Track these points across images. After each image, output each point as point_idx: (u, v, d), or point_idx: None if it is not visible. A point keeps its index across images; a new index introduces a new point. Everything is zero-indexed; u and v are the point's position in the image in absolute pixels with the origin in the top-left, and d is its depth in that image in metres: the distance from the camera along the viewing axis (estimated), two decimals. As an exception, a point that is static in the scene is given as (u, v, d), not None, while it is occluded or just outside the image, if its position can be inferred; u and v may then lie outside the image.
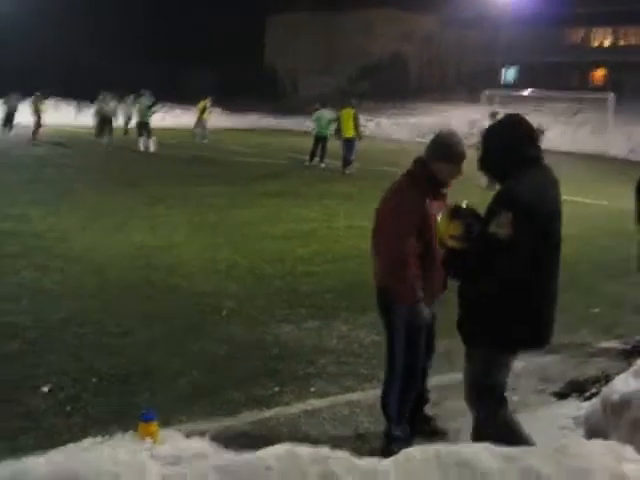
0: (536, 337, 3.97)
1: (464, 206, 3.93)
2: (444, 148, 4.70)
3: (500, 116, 18.83)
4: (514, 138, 3.91)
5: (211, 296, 8.17)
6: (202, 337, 6.90)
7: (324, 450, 2.92)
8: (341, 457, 2.88)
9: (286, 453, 2.86)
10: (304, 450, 2.89)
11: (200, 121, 35.01)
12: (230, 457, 2.95)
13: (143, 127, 27.87)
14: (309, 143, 24.52)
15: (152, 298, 8.05)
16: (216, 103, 41.06)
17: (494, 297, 3.83)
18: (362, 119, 37.31)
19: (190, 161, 24.38)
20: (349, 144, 22.27)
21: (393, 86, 64.15)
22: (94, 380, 5.82)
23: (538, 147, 4.01)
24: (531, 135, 3.98)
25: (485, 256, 3.72)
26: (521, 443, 3.70)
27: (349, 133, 22.38)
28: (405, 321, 4.68)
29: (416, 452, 2.92)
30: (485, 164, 4.05)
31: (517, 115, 4.10)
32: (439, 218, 4.03)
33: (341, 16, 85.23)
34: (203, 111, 35.43)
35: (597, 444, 3.12)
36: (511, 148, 3.89)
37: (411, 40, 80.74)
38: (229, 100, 59.19)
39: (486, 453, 2.88)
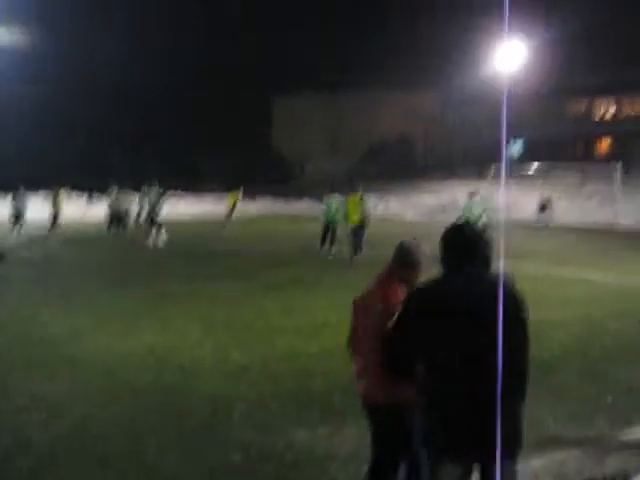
0: (454, 446, 3.90)
1: None
2: (401, 257, 5.22)
3: (478, 196, 18.74)
4: (443, 246, 4.18)
5: (223, 399, 8.10)
6: (215, 443, 6.83)
7: None
8: None
9: None
10: None
11: (230, 213, 35.82)
12: None
13: (153, 221, 27.56)
14: (318, 228, 24.50)
15: (164, 401, 8.00)
16: (246, 193, 42.37)
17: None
18: (371, 200, 37.66)
19: (200, 254, 24.43)
20: (357, 231, 22.29)
21: (400, 166, 64.72)
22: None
23: (469, 256, 4.07)
24: (459, 245, 4.12)
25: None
26: None
27: (355, 220, 22.42)
28: None
29: None
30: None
31: (456, 226, 4.30)
32: None
33: (345, 98, 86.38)
34: (234, 204, 36.27)
35: None
36: (441, 253, 4.17)
37: (415, 120, 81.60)
38: (239, 185, 59.80)
39: None
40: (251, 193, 56.18)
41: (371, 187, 60.11)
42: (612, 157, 57.91)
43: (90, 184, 49.93)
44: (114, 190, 33.07)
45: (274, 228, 36.03)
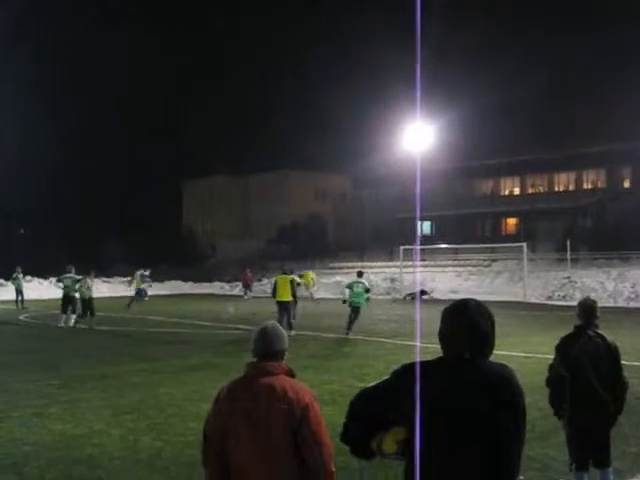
0: None
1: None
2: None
3: (363, 276, 19.08)
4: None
5: (134, 490, 7.90)
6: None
7: None
8: None
9: None
10: None
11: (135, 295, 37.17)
12: None
13: (69, 302, 27.76)
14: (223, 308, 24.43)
15: (72, 497, 7.75)
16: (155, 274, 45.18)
17: None
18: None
19: (109, 335, 24.08)
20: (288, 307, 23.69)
21: (312, 246, 65.07)
22: None
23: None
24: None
25: None
26: None
27: (286, 297, 23.62)
28: None
29: None
30: None
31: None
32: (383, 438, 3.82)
33: (254, 179, 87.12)
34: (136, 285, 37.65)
35: None
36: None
37: (325, 200, 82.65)
38: (148, 267, 59.32)
39: None
40: (162, 275, 55.90)
41: (284, 267, 60.40)
42: (518, 235, 59.46)
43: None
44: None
45: (185, 308, 35.74)
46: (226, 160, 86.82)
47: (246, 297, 44.50)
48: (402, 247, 47.37)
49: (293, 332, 21.96)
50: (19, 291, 36.16)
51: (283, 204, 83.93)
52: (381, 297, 43.81)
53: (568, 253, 45.50)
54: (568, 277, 42.90)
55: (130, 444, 9.80)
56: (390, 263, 48.52)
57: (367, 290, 23.98)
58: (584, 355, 6.94)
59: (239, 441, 4.48)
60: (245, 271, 48.19)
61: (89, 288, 27.60)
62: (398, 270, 46.93)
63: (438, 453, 3.55)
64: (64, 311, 27.66)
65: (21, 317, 31.17)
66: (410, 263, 45.53)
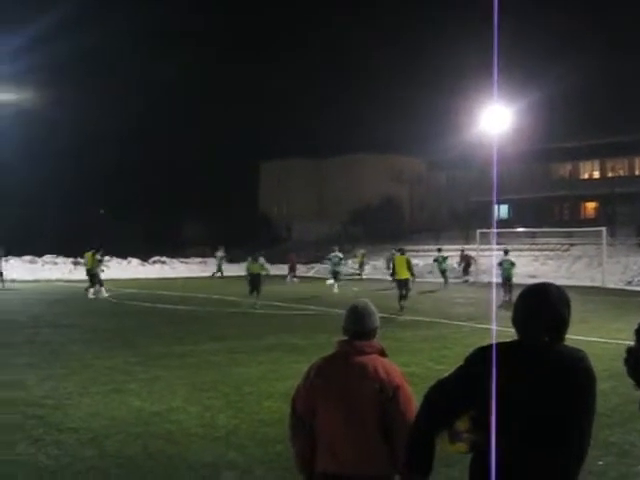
0: None
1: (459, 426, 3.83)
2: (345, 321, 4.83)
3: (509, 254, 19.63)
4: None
5: (211, 466, 7.97)
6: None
7: None
8: None
9: None
10: None
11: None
12: None
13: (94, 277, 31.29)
14: (301, 290, 24.57)
15: (152, 471, 7.84)
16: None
17: None
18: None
19: (186, 315, 24.40)
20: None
21: (386, 228, 64.87)
22: None
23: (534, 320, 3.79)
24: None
25: None
26: None
27: (404, 274, 25.53)
28: None
29: None
30: None
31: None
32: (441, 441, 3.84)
33: (330, 161, 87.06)
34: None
35: None
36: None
37: (400, 182, 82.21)
38: (225, 250, 59.98)
39: None
40: (237, 256, 56.40)
41: (358, 248, 60.47)
42: (598, 219, 58.39)
43: (76, 249, 50.28)
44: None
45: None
46: (303, 142, 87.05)
47: (288, 281, 44.39)
48: (479, 230, 46.94)
49: (405, 304, 25.04)
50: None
51: (358, 187, 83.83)
52: (457, 280, 43.54)
53: (648, 238, 44.63)
54: (649, 262, 42.05)
55: (207, 421, 9.91)
56: (467, 246, 48.04)
57: (513, 264, 30.18)
58: None
59: (329, 417, 4.54)
60: (291, 255, 48.48)
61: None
62: (475, 253, 46.53)
63: (513, 434, 3.56)
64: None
65: (90, 296, 31.70)
66: (487, 246, 45.03)
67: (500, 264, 30.19)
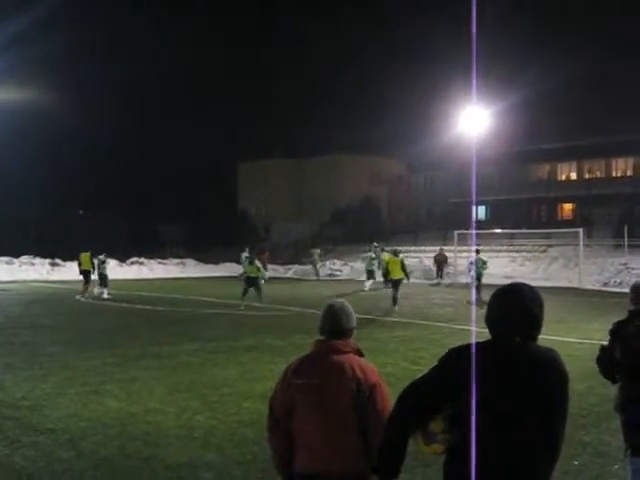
0: None
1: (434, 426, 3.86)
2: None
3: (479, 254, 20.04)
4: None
5: (189, 466, 7.98)
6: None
7: None
8: None
9: None
10: None
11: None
12: None
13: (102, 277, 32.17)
14: (281, 291, 24.60)
15: (128, 473, 7.84)
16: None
17: None
18: (338, 264, 40.79)
19: (163, 316, 24.37)
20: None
21: (366, 229, 64.96)
22: None
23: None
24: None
25: None
26: None
27: (398, 274, 26.27)
28: None
29: None
30: None
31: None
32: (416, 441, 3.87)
33: (310, 162, 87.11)
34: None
35: None
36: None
37: (380, 183, 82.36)
38: (203, 250, 59.98)
39: None
40: (217, 257, 56.39)
41: (337, 249, 60.55)
42: (575, 221, 58.72)
43: (53, 250, 50.37)
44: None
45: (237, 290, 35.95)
46: (282, 143, 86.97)
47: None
48: (456, 232, 47.10)
49: (397, 307, 25.52)
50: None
51: (337, 187, 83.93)
52: (435, 281, 43.74)
53: (625, 239, 44.89)
54: (625, 263, 42.34)
55: (184, 422, 9.91)
56: (445, 247, 48.16)
57: (485, 262, 31.61)
58: (638, 338, 6.83)
59: (306, 417, 4.56)
60: (262, 255, 47.78)
61: None
62: (452, 255, 46.69)
63: (488, 433, 3.57)
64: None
65: (77, 297, 31.66)
66: (465, 248, 45.18)
67: (472, 263, 30.83)
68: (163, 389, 12.07)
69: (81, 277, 33.36)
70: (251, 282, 27.50)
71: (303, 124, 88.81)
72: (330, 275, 50.97)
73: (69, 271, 45.77)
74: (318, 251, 52.81)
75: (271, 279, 43.65)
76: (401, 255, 27.95)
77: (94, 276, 32.85)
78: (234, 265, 53.28)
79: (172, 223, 79.32)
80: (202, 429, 9.57)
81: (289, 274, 54.32)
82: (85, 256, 33.49)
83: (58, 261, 49.87)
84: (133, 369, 13.98)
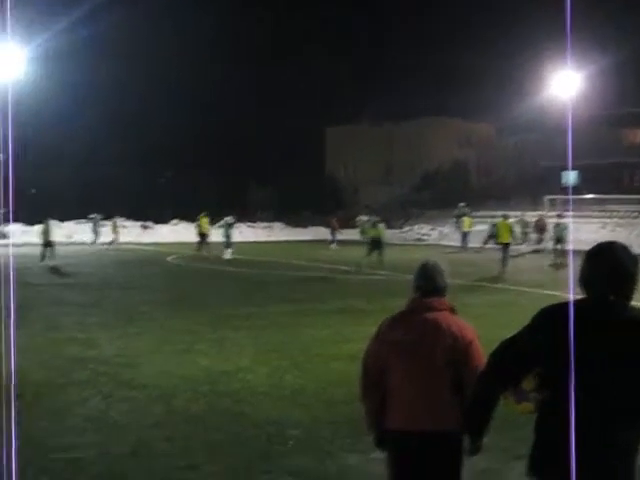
0: None
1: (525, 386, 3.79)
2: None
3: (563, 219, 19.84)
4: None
5: (277, 424, 8.06)
6: (268, 469, 6.78)
7: None
8: None
9: None
10: None
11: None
12: None
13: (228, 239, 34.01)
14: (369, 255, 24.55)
15: (218, 428, 7.96)
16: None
17: None
18: (426, 228, 40.34)
19: (253, 279, 24.60)
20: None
21: (454, 193, 64.29)
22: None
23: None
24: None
25: None
26: None
27: (507, 238, 26.87)
28: None
29: None
30: None
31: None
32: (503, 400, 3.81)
33: (398, 126, 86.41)
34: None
35: None
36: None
37: (469, 147, 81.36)
38: (291, 214, 60.22)
39: None
40: (304, 221, 56.61)
41: (425, 214, 60.17)
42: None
43: (146, 213, 51.31)
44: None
45: (325, 253, 36.06)
46: (370, 107, 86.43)
47: (331, 246, 43.74)
48: (547, 197, 46.29)
49: (505, 269, 25.75)
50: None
51: (426, 152, 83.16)
52: (524, 246, 43.09)
53: None
54: None
55: (274, 381, 10.01)
56: (533, 213, 47.27)
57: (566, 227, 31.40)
58: None
59: (401, 374, 4.55)
60: (332, 219, 47.91)
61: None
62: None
63: (580, 393, 3.49)
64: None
65: (169, 259, 32.26)
66: (554, 213, 44.29)
67: (557, 226, 31.92)
68: (253, 349, 12.19)
69: (198, 238, 35.90)
70: (375, 245, 27.81)
71: (392, 88, 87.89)
72: (418, 240, 50.69)
73: (159, 233, 46.79)
74: (366, 218, 51.38)
75: (357, 243, 43.74)
76: (510, 220, 28.51)
77: (213, 238, 35.36)
78: (321, 229, 53.42)
79: (261, 187, 79.81)
80: (291, 388, 9.65)
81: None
82: (203, 219, 35.89)
83: (149, 223, 50.86)
84: (224, 329, 14.15)
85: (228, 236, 33.76)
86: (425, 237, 51.82)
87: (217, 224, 37.17)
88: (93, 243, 40.96)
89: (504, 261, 26.48)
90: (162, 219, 53.05)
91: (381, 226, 28.83)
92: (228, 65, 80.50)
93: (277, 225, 58.33)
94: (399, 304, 4.86)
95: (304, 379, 10.13)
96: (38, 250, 29.23)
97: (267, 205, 71.04)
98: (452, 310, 4.70)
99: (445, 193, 66.18)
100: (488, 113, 76.61)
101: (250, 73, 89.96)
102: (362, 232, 34.62)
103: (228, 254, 32.71)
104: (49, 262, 28.05)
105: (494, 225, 28.67)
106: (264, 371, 10.57)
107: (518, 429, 6.74)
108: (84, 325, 14.58)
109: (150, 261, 31.98)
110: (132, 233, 48.41)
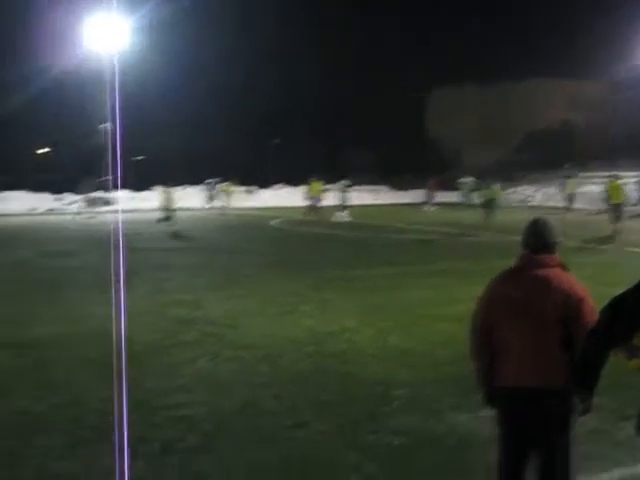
0: None
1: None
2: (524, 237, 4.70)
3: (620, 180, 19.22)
4: None
5: (382, 384, 8.04)
6: (376, 428, 6.76)
7: None
8: None
9: None
10: None
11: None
12: None
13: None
14: (473, 217, 24.37)
15: (324, 388, 7.99)
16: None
17: None
18: (530, 190, 39.45)
19: (358, 241, 24.62)
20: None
21: (560, 154, 62.82)
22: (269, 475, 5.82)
23: None
24: None
25: None
26: None
27: (619, 199, 26.70)
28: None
29: None
30: None
31: None
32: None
33: (503, 87, 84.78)
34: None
35: None
36: None
37: (577, 108, 79.36)
38: (393, 176, 59.87)
39: None
40: (407, 184, 56.25)
41: (529, 176, 58.98)
42: None
43: (250, 179, 51.91)
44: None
45: (425, 216, 35.78)
46: (474, 68, 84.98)
47: (425, 208, 43.36)
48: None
49: (619, 226, 25.46)
50: None
51: (532, 113, 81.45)
52: (633, 208, 41.89)
53: None
54: None
55: (379, 342, 9.99)
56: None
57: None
58: None
59: (511, 331, 4.47)
60: (430, 181, 47.03)
61: None
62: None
63: None
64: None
65: (272, 223, 32.56)
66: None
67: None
68: (357, 310, 12.20)
69: (308, 202, 36.55)
70: (488, 204, 28.97)
71: (496, 49, 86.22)
72: (522, 201, 49.82)
73: (262, 198, 47.35)
74: (470, 179, 50.61)
75: (459, 205, 43.28)
76: (620, 180, 28.29)
77: (325, 203, 36.20)
78: (422, 192, 53.02)
79: (364, 151, 79.53)
80: (396, 349, 9.62)
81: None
82: (314, 183, 36.67)
83: (253, 188, 51.43)
84: (329, 291, 14.20)
85: (344, 199, 34.38)
86: (529, 199, 50.91)
87: (330, 187, 37.77)
88: (208, 207, 41.81)
89: (615, 221, 25.88)
90: (265, 184, 53.57)
91: (496, 187, 28.95)
92: (329, 32, 79.91)
93: (381, 188, 58.23)
94: (506, 264, 4.75)
95: (410, 340, 10.08)
96: (147, 216, 29.78)
97: (371, 169, 70.73)
98: (563, 267, 4.56)
99: (550, 154, 64.73)
100: (597, 71, 74.45)
101: (355, 36, 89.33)
102: (469, 192, 34.51)
103: (342, 216, 33.41)
104: (169, 227, 28.28)
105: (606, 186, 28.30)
106: (369, 332, 10.56)
107: (627, 389, 6.57)
108: (191, 287, 14.84)
109: (254, 225, 32.33)
110: (238, 198, 49.03)
